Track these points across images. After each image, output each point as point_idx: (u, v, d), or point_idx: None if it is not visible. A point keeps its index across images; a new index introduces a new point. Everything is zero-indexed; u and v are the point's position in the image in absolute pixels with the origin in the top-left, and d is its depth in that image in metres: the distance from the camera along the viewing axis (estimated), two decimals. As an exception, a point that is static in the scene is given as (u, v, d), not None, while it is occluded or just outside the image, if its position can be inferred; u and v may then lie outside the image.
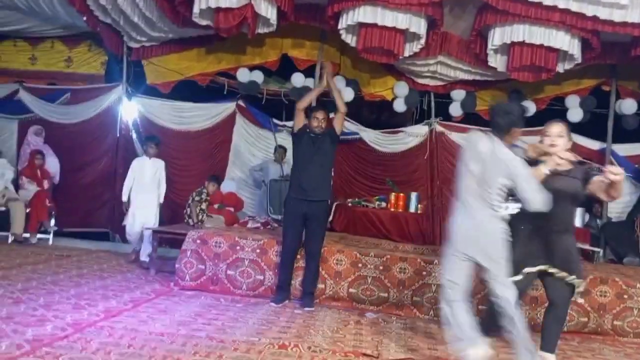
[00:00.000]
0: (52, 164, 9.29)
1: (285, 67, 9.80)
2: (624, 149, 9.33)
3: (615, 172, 3.71)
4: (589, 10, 6.83)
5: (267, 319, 5.26)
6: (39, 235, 8.80)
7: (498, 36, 7.56)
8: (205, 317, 5.13)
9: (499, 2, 6.97)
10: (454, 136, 9.87)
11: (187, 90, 9.91)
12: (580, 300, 5.67)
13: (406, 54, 8.06)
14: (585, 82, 9.47)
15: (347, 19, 7.63)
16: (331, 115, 6.30)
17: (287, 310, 5.69)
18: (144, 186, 7.77)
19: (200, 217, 7.82)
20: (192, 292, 6.13)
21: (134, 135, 9.85)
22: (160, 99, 9.90)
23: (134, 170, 7.80)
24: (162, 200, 7.98)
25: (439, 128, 9.90)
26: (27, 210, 8.69)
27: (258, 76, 9.73)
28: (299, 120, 5.96)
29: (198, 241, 6.34)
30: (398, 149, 9.97)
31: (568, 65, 7.91)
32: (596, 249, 7.94)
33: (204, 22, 7.81)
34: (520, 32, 7.34)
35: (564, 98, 9.55)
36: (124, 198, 7.75)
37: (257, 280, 6.22)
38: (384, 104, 10.10)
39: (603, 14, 6.82)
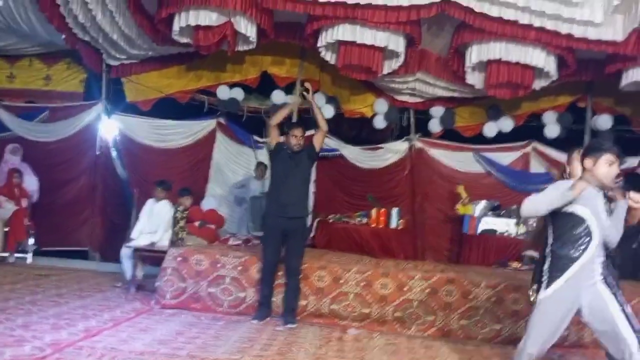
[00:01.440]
0: (30, 183, 9.18)
1: (266, 85, 9.86)
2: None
3: (636, 200, 3.78)
4: (564, 28, 6.96)
5: (249, 337, 5.24)
6: (17, 255, 8.68)
7: (475, 54, 7.67)
8: (186, 336, 5.10)
9: (475, 20, 7.07)
10: (434, 152, 9.98)
11: (167, 108, 9.89)
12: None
13: (385, 71, 8.15)
14: (562, 98, 9.63)
15: (327, 37, 7.70)
16: (311, 132, 6.32)
17: (269, 328, 5.67)
18: (152, 227, 7.59)
19: (179, 234, 7.73)
20: (173, 311, 6.08)
21: (114, 153, 9.79)
22: (140, 117, 9.86)
23: (145, 213, 7.63)
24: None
25: (418, 144, 10.00)
26: (5, 229, 8.57)
27: (238, 93, 9.76)
28: (274, 136, 5.98)
29: (179, 259, 6.30)
30: (378, 165, 10.04)
31: (544, 82, 8.04)
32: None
33: (183, 40, 7.83)
34: (497, 50, 7.46)
35: (541, 114, 9.69)
36: (134, 236, 7.56)
37: (238, 298, 6.20)
38: (364, 120, 10.18)
39: (577, 31, 6.96)
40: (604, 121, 9.44)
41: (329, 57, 8.15)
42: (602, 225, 3.64)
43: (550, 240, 3.79)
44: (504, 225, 8.79)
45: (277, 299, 6.05)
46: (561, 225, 3.72)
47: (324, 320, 6.05)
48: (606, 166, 3.61)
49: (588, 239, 3.63)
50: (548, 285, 3.68)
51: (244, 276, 6.20)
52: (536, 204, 3.74)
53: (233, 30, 7.54)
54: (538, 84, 8.03)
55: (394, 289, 6.03)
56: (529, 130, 9.90)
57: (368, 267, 6.36)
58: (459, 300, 5.93)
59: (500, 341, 5.78)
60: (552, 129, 9.55)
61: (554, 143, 9.75)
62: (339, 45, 7.81)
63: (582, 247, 3.63)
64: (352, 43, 7.58)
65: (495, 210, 9.15)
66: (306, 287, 6.09)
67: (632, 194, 3.82)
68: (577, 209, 3.63)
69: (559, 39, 7.11)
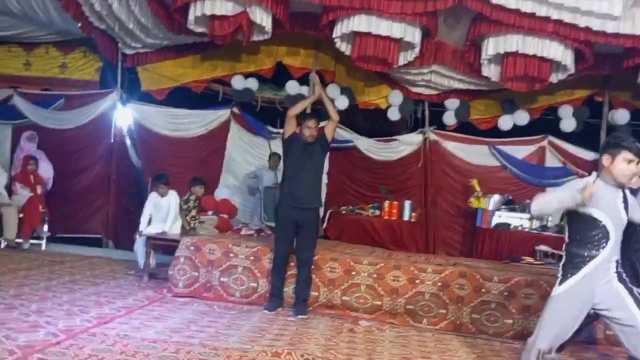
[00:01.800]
0: (46, 170, 9.27)
1: (280, 75, 9.84)
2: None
3: None
4: (582, 22, 6.88)
5: (261, 327, 5.27)
6: (31, 241, 8.77)
7: (492, 46, 7.60)
8: (198, 324, 5.13)
9: (492, 12, 7.01)
10: (448, 145, 9.92)
11: (182, 97, 9.91)
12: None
13: (400, 62, 8.10)
14: (579, 92, 9.52)
15: (342, 28, 7.66)
16: (324, 123, 6.30)
17: (280, 318, 5.70)
18: (161, 219, 7.62)
19: (192, 224, 7.76)
20: (185, 299, 6.13)
21: (129, 142, 9.84)
22: (155, 106, 9.88)
23: (150, 207, 7.64)
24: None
25: (433, 137, 9.94)
26: (20, 216, 8.67)
27: (253, 83, 9.75)
28: (290, 127, 5.98)
29: (191, 248, 6.34)
30: (392, 157, 10.00)
31: (561, 76, 7.96)
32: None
33: (199, 30, 7.83)
34: (514, 43, 7.39)
35: (557, 108, 9.60)
36: (141, 228, 7.57)
37: (250, 288, 6.22)
38: (378, 112, 10.13)
39: (596, 25, 6.87)
40: (621, 116, 9.33)
41: (344, 48, 8.12)
42: (621, 224, 3.61)
43: (566, 239, 3.77)
44: (518, 220, 8.74)
45: (289, 289, 6.07)
46: (577, 226, 3.70)
47: (335, 311, 6.06)
48: (624, 164, 3.56)
49: (604, 240, 3.60)
50: (562, 282, 3.67)
51: (256, 266, 6.23)
52: (545, 203, 3.73)
53: (248, 20, 7.52)
54: (555, 77, 7.94)
55: (406, 282, 6.02)
56: (545, 123, 9.80)
57: (380, 259, 6.36)
58: (470, 294, 5.90)
59: (511, 336, 5.75)
60: (568, 123, 9.45)
61: (569, 137, 9.66)
62: (354, 36, 7.77)
63: (598, 248, 3.60)
64: (368, 34, 7.54)
65: (509, 204, 9.10)
66: (318, 278, 6.09)
67: None
68: (594, 212, 3.59)
69: (577, 32, 7.03)
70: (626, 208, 3.65)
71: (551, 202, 3.69)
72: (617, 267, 3.66)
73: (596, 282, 3.60)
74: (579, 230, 3.68)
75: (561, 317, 3.65)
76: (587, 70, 8.25)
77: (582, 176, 9.28)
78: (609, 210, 3.59)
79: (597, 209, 3.57)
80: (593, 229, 3.60)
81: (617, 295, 3.59)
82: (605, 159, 3.62)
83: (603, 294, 3.59)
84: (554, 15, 6.86)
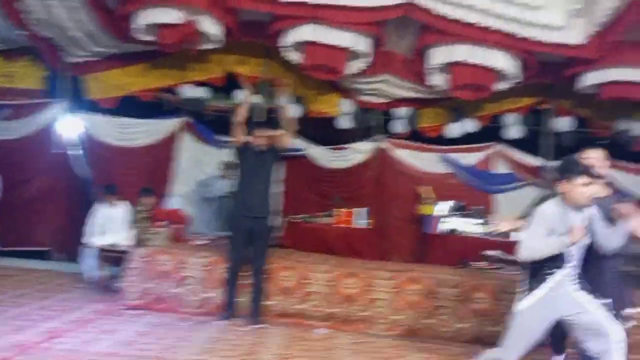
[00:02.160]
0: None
1: (232, 84, 9.79)
2: (561, 165, 9.70)
3: (626, 211, 3.94)
4: (525, 32, 7.06)
5: (215, 337, 5.22)
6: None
7: (439, 56, 7.75)
8: (151, 337, 5.05)
9: (439, 23, 7.15)
10: (399, 153, 10.04)
11: (131, 107, 9.73)
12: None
13: (351, 71, 8.18)
14: (524, 100, 9.76)
15: (291, 37, 7.69)
16: (278, 131, 6.30)
17: (235, 328, 5.66)
18: (112, 230, 7.48)
19: (143, 235, 7.62)
20: (137, 312, 6.02)
21: (76, 152, 9.61)
22: (103, 115, 9.70)
23: (97, 218, 7.45)
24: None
25: (384, 145, 10.04)
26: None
27: (203, 92, 9.67)
28: (239, 135, 5.95)
29: (143, 259, 6.24)
30: (344, 165, 10.05)
31: (507, 84, 8.17)
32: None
33: (146, 38, 7.74)
34: (460, 52, 7.54)
35: (504, 116, 9.84)
36: (87, 240, 7.38)
37: (204, 298, 6.16)
38: (329, 120, 10.19)
39: (538, 35, 7.07)
40: (565, 123, 9.63)
41: (294, 56, 8.15)
42: (583, 243, 3.84)
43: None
44: (468, 225, 8.91)
45: (244, 299, 6.03)
46: None
47: (290, 320, 6.05)
48: (581, 188, 3.76)
49: (567, 258, 3.81)
50: (526, 296, 3.86)
51: (209, 276, 6.17)
52: (537, 252, 3.84)
53: (197, 29, 7.48)
54: (500, 86, 8.16)
55: (360, 289, 6.06)
56: (493, 131, 10.03)
57: (334, 267, 6.38)
58: (424, 299, 5.99)
59: (466, 340, 5.86)
60: (514, 131, 9.69)
61: (517, 144, 9.92)
62: (304, 45, 7.81)
63: (561, 266, 3.81)
64: (317, 43, 7.58)
65: (460, 210, 9.27)
66: (273, 287, 6.08)
67: (621, 208, 3.96)
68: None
69: (520, 42, 7.22)
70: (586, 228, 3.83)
71: (543, 250, 3.82)
72: (578, 280, 3.86)
73: (559, 297, 3.80)
74: None
75: (527, 331, 3.83)
76: (532, 79, 8.49)
77: (531, 183, 9.62)
78: (566, 233, 3.77)
79: (558, 234, 3.78)
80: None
81: (579, 302, 3.80)
82: (563, 186, 3.83)
83: (566, 305, 3.80)
84: (498, 25, 7.03)
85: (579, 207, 3.82)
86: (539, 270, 3.83)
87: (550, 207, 3.88)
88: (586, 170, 3.81)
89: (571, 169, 3.83)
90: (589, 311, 3.79)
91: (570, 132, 9.65)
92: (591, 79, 7.82)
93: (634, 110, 9.22)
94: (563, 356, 4.93)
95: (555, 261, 3.80)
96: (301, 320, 6.05)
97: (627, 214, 3.88)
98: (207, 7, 7.17)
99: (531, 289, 3.84)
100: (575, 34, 7.12)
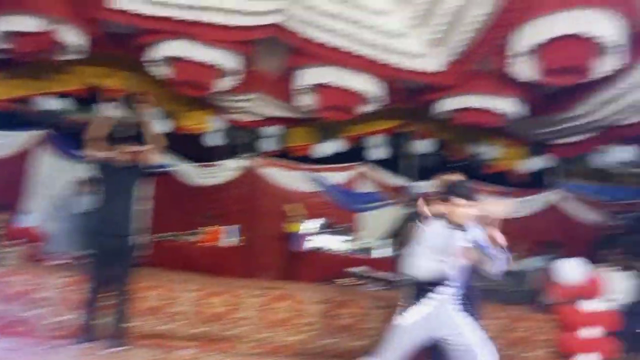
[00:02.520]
0: None
1: (94, 96, 9.40)
2: (421, 186, 10.13)
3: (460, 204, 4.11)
4: (388, 58, 7.39)
5: (72, 363, 4.94)
6: None
7: (307, 77, 7.91)
8: (1, 364, 4.69)
9: (306, 45, 7.31)
10: (268, 171, 10.13)
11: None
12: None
13: (220, 89, 8.14)
14: (387, 122, 10.17)
15: (159, 51, 7.54)
16: (143, 147, 6.13)
17: (95, 351, 5.39)
18: None
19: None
20: (-15, 338, 5.57)
21: None
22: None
23: None
24: None
25: (253, 162, 10.08)
26: None
27: (64, 105, 9.21)
28: (99, 151, 5.72)
29: (-7, 281, 5.79)
30: (213, 182, 9.98)
31: (372, 107, 8.50)
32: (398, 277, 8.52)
33: (4, 46, 7.26)
34: (327, 75, 7.74)
35: (368, 137, 10.21)
36: None
37: (62, 321, 5.82)
38: (198, 137, 10.07)
39: (400, 61, 7.43)
40: (424, 145, 10.17)
41: (163, 71, 7.99)
42: (465, 264, 4.04)
43: None
44: (334, 243, 9.12)
45: (104, 320, 5.76)
46: None
47: (153, 341, 5.87)
48: (459, 209, 3.99)
49: (450, 278, 4.01)
50: (407, 312, 4.03)
51: (67, 298, 5.84)
52: (423, 271, 4.00)
53: (56, 38, 7.13)
54: (365, 108, 8.47)
55: (228, 308, 6.01)
56: (358, 151, 10.38)
57: (201, 286, 6.28)
58: (291, 316, 6.04)
59: (333, 355, 5.97)
60: (378, 152, 10.09)
61: (380, 164, 10.33)
62: (173, 61, 7.68)
63: (444, 285, 3.99)
64: (186, 59, 7.48)
65: (326, 228, 9.47)
66: (136, 308, 5.87)
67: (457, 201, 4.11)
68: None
69: (383, 67, 7.54)
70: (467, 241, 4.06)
71: (428, 269, 3.99)
72: (460, 302, 4.07)
73: (441, 316, 3.99)
74: None
75: (405, 345, 3.99)
76: (395, 103, 8.88)
77: (393, 202, 10.03)
78: (447, 252, 3.99)
79: (435, 250, 3.98)
80: None
81: (457, 323, 4.02)
82: (443, 207, 4.08)
83: (446, 324, 4.00)
84: (363, 51, 7.30)
85: (462, 228, 4.03)
86: (424, 287, 4.00)
87: (436, 227, 4.08)
88: (462, 192, 4.03)
89: (454, 191, 4.05)
90: (464, 334, 4.00)
91: (430, 155, 10.19)
92: (447, 104, 8.31)
93: (483, 136, 9.92)
94: None
95: (440, 280, 3.98)
96: (166, 341, 5.88)
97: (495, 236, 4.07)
98: (67, 16, 6.86)
99: (414, 305, 4.01)
100: (433, 62, 7.55)
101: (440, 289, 4.00)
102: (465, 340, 3.98)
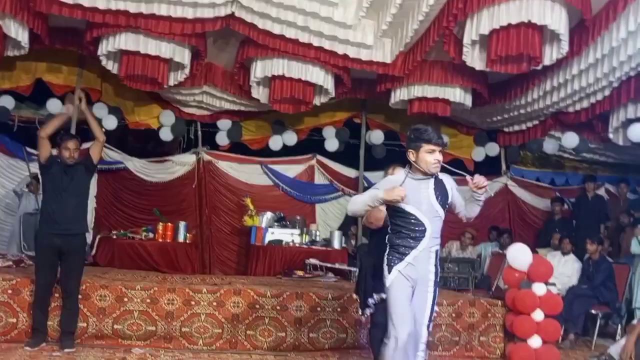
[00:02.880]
0: None
1: (40, 93, 9.16)
2: (374, 176, 10.21)
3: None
4: (340, 49, 7.43)
5: (21, 366, 4.83)
6: None
7: (259, 69, 7.89)
8: (-56, 371, 4.55)
9: (259, 36, 7.27)
10: (222, 165, 10.06)
11: None
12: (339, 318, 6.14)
13: (171, 83, 8.05)
14: (340, 114, 10.27)
15: (108, 45, 7.41)
16: (89, 143, 6.00)
17: (45, 354, 5.26)
18: None
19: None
20: None
21: None
22: None
23: None
24: None
25: (206, 157, 10.00)
26: None
27: (8, 101, 8.97)
28: (45, 149, 5.56)
29: None
30: (165, 178, 9.86)
31: (324, 99, 8.53)
32: (353, 269, 8.58)
33: (-58, 42, 7.03)
34: (280, 66, 7.75)
35: (322, 129, 10.24)
36: None
37: (9, 324, 5.65)
38: (150, 132, 9.93)
39: (351, 52, 7.48)
40: (377, 136, 10.25)
41: (111, 66, 7.86)
42: (436, 214, 3.93)
43: (389, 232, 4.06)
44: (289, 236, 9.12)
45: (54, 322, 5.62)
46: (397, 220, 3.99)
47: (106, 341, 5.76)
48: (427, 155, 3.86)
49: (421, 231, 3.90)
50: (390, 271, 3.93)
51: (15, 300, 5.67)
52: (354, 204, 4.04)
53: (1, 33, 6.92)
54: (318, 100, 8.50)
55: (181, 304, 5.94)
56: (312, 143, 10.40)
57: (154, 283, 6.19)
58: (245, 311, 6.01)
59: (284, 348, 5.98)
60: (331, 143, 10.13)
61: (334, 156, 10.37)
62: (122, 55, 7.56)
63: (417, 239, 3.91)
64: (136, 53, 7.38)
65: (281, 221, 9.46)
66: (86, 308, 5.74)
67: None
68: (407, 207, 3.89)
69: (335, 58, 7.58)
70: (439, 197, 3.94)
71: (357, 203, 4.00)
72: (436, 261, 3.99)
73: (419, 270, 3.91)
74: (399, 223, 3.97)
75: (400, 300, 3.87)
76: (346, 94, 8.95)
77: (348, 194, 10.11)
78: (421, 204, 3.89)
79: (409, 205, 3.88)
80: (409, 222, 3.91)
81: (427, 293, 3.96)
82: (411, 155, 3.92)
83: (420, 287, 3.93)
84: (315, 42, 7.31)
85: (428, 175, 3.92)
86: (399, 246, 3.93)
87: (398, 175, 4.04)
88: (431, 138, 3.89)
89: (417, 137, 3.91)
90: (427, 302, 3.95)
91: (381, 145, 10.27)
92: (399, 95, 8.40)
93: (437, 125, 10.03)
94: None
95: (412, 237, 3.90)
96: (118, 341, 5.77)
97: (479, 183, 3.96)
98: (12, 11, 6.66)
99: (392, 264, 3.92)
100: (383, 53, 7.61)
101: (414, 243, 3.91)
102: (422, 310, 3.93)
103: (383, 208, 4.50)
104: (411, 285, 3.90)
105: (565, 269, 8.04)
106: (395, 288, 3.91)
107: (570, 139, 9.35)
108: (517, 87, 8.08)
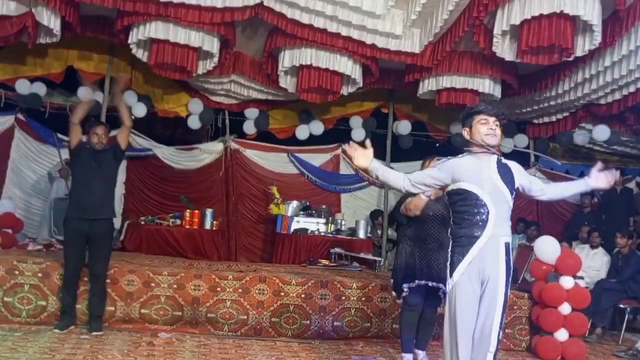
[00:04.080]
0: None
1: (72, 80, 9.29)
2: (401, 167, 10.17)
3: None
4: (368, 39, 7.41)
5: (51, 347, 4.93)
6: None
7: (287, 58, 7.90)
8: (-23, 351, 4.67)
9: (287, 26, 7.28)
10: (249, 153, 10.11)
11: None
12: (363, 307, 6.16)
13: (199, 71, 8.09)
14: (367, 104, 10.24)
15: (138, 34, 7.47)
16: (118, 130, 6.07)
17: (73, 337, 5.37)
18: None
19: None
20: (-39, 324, 5.53)
21: None
22: None
23: None
24: None
25: (233, 145, 10.05)
26: None
27: (40, 88, 9.10)
28: (76, 136, 5.64)
29: (-32, 267, 5.74)
30: (193, 165, 9.94)
31: (351, 89, 8.51)
32: (377, 258, 8.60)
33: (-23, 29, 7.15)
34: (308, 56, 7.75)
35: (349, 119, 10.22)
36: None
37: (39, 307, 5.78)
38: (178, 120, 10.02)
39: (380, 42, 7.45)
40: (404, 127, 10.20)
41: (141, 54, 7.93)
42: (500, 194, 3.57)
43: (452, 223, 3.72)
44: (315, 224, 9.14)
45: (83, 305, 5.74)
46: (458, 206, 3.66)
47: (133, 325, 5.85)
48: (481, 126, 3.63)
49: (486, 215, 3.54)
50: (452, 272, 3.56)
51: (45, 283, 5.80)
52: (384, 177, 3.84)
53: (34, 21, 7.03)
54: (345, 90, 8.48)
55: (207, 290, 6.01)
56: (339, 133, 10.39)
57: (180, 269, 6.27)
58: (270, 298, 6.06)
59: (308, 336, 6.02)
60: (358, 133, 10.10)
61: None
62: (152, 43, 7.62)
63: (481, 223, 3.53)
64: (165, 41, 7.43)
65: (306, 209, 9.49)
66: (114, 292, 5.85)
67: None
68: (465, 185, 3.58)
69: (364, 48, 7.56)
70: (504, 178, 3.61)
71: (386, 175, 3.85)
72: (507, 256, 3.57)
73: (486, 266, 3.52)
74: (460, 209, 3.63)
75: (465, 317, 3.48)
76: (374, 84, 8.91)
77: (373, 183, 10.10)
78: (482, 182, 3.56)
79: (470, 183, 3.56)
80: (471, 204, 3.56)
81: (496, 285, 3.53)
82: (466, 133, 3.72)
83: (490, 276, 3.53)
84: (344, 31, 7.30)
85: (489, 151, 3.64)
86: (462, 236, 3.57)
87: (456, 158, 3.72)
88: (481, 109, 3.69)
89: (468, 114, 3.73)
90: (496, 300, 3.51)
91: (409, 136, 10.23)
92: (428, 85, 8.35)
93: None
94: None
95: (475, 220, 3.53)
96: (145, 325, 5.87)
97: None
98: (45, -1, 6.78)
99: (455, 262, 3.55)
100: (412, 43, 7.56)
101: (477, 232, 3.52)
102: (493, 310, 3.49)
103: (424, 197, 4.52)
104: (477, 289, 3.51)
105: (594, 263, 7.95)
106: (459, 298, 3.50)
107: (602, 132, 9.21)
108: (548, 78, 7.96)
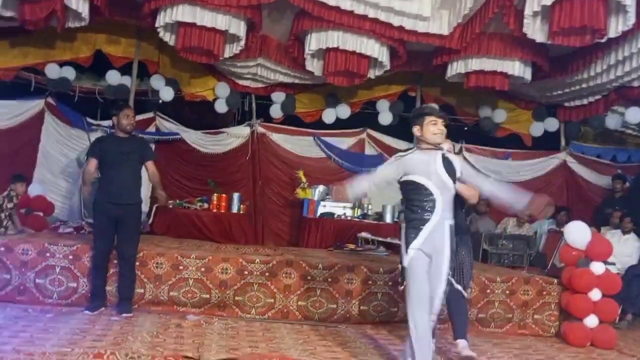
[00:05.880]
0: None
1: (100, 64, 9.36)
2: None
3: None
4: (396, 21, 7.33)
5: (81, 328, 5.00)
6: None
7: (314, 41, 7.85)
8: (11, 330, 4.76)
9: (314, 8, 7.23)
10: (275, 137, 10.10)
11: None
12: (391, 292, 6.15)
13: (226, 55, 8.09)
14: (394, 87, 10.16)
15: (165, 17, 7.49)
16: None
17: (103, 318, 5.45)
18: None
19: (4, 223, 7.18)
20: (-5, 305, 5.64)
21: None
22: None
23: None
24: None
25: (260, 129, 10.05)
26: None
27: (69, 72, 9.19)
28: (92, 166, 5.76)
29: (2, 249, 5.84)
30: (220, 149, 9.96)
31: (378, 72, 8.44)
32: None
33: (7, 14, 7.22)
34: (335, 39, 7.70)
35: (375, 102, 10.15)
36: None
37: (69, 288, 5.88)
38: (205, 104, 10.04)
39: (408, 24, 7.36)
40: (433, 110, 10.08)
41: (168, 38, 7.95)
42: (445, 186, 4.11)
43: (403, 208, 4.31)
44: (341, 209, 9.11)
45: (112, 288, 5.82)
46: (408, 194, 4.20)
47: (162, 307, 5.93)
48: (431, 126, 4.13)
49: (432, 198, 4.08)
50: (407, 248, 4.10)
51: (75, 265, 5.89)
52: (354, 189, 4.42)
53: (63, 5, 7.08)
54: (372, 73, 8.41)
55: (234, 273, 6.05)
56: (365, 117, 10.33)
57: (208, 253, 6.32)
58: (297, 282, 6.08)
59: (335, 320, 6.04)
60: (385, 117, 10.04)
61: (386, 129, 10.28)
62: (178, 27, 7.63)
63: (429, 209, 4.07)
64: (192, 25, 7.43)
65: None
66: (143, 275, 5.92)
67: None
68: (415, 178, 4.12)
69: (391, 30, 7.48)
70: (446, 170, 4.12)
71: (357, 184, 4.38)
72: (451, 235, 4.13)
73: (435, 244, 4.08)
74: (411, 197, 4.16)
75: (421, 281, 4.05)
76: (401, 67, 8.82)
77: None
78: (430, 175, 4.09)
79: (420, 176, 4.10)
80: (421, 194, 4.10)
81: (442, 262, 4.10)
82: (416, 130, 4.20)
83: (436, 257, 4.09)
84: (371, 13, 7.23)
85: (434, 148, 4.17)
86: (413, 220, 4.10)
87: (408, 154, 4.23)
88: (433, 111, 4.22)
89: (420, 113, 4.23)
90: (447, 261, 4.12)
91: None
92: (456, 68, 8.24)
93: (494, 99, 9.83)
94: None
95: (424, 209, 4.07)
96: (173, 307, 5.94)
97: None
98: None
99: (409, 240, 4.08)
100: (440, 25, 7.46)
101: (427, 216, 4.06)
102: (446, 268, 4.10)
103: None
104: (428, 262, 4.08)
105: (625, 248, 7.80)
106: (414, 270, 4.07)
107: (635, 114, 9.01)
108: (580, 60, 7.80)
